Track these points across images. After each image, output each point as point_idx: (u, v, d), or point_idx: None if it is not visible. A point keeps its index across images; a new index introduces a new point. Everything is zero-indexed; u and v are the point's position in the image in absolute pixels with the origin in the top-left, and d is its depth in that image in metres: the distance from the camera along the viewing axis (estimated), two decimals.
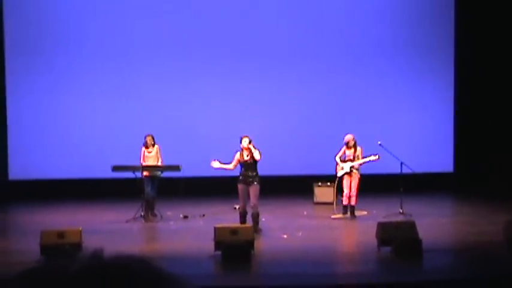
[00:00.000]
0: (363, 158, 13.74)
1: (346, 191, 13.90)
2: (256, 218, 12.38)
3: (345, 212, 13.95)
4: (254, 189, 12.35)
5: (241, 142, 12.59)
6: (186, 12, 17.38)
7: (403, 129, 17.61)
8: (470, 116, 17.86)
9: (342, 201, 14.06)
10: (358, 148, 13.77)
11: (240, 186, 12.43)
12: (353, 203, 13.85)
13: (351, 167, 13.75)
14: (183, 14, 17.37)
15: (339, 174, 13.93)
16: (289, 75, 17.47)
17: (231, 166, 12.59)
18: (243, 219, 12.40)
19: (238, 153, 12.61)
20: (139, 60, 17.21)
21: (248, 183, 12.36)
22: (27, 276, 0.85)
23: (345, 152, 13.88)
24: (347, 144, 13.84)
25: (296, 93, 17.51)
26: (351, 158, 13.76)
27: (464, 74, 17.91)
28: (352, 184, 13.80)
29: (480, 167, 17.46)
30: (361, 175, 13.85)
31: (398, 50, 17.90)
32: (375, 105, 17.71)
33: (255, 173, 12.41)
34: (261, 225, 12.65)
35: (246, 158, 12.49)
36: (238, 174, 12.54)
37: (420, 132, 17.83)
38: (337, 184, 14.12)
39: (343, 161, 13.88)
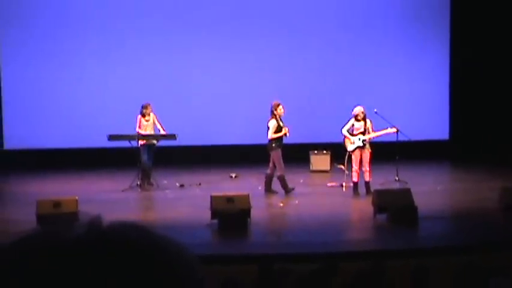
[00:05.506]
0: (373, 131, 12.81)
1: (355, 166, 12.64)
2: (284, 179, 12.77)
3: (355, 189, 12.68)
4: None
5: (276, 109, 12.71)
6: None
7: (399, 97, 17.58)
8: (466, 84, 17.83)
9: (351, 177, 12.83)
10: (368, 120, 12.77)
11: (279, 152, 12.73)
12: (368, 178, 12.63)
13: (363, 141, 12.65)
14: None
15: (350, 148, 12.73)
16: (286, 44, 17.38)
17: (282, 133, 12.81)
18: (269, 181, 12.89)
19: (274, 120, 12.71)
20: (134, 28, 17.07)
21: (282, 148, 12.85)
22: (21, 244, 0.83)
23: (353, 125, 12.73)
24: (356, 117, 12.73)
25: (292, 62, 17.45)
26: (362, 130, 12.66)
27: (460, 41, 17.83)
28: (365, 159, 12.62)
29: (476, 134, 17.47)
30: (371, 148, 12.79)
31: (393, 18, 17.81)
32: (370, 73, 17.67)
33: None
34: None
35: (282, 125, 12.70)
36: (270, 140, 12.79)
37: (416, 99, 17.81)
38: (347, 158, 12.97)
39: (352, 134, 12.75)
